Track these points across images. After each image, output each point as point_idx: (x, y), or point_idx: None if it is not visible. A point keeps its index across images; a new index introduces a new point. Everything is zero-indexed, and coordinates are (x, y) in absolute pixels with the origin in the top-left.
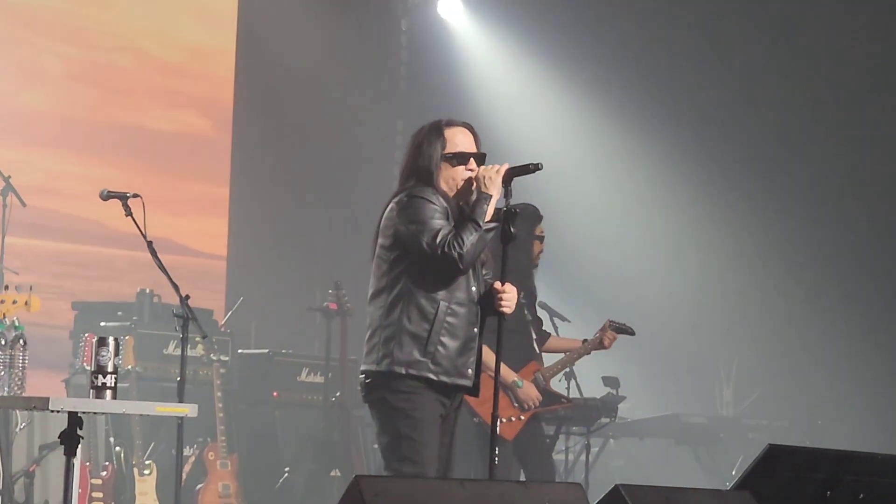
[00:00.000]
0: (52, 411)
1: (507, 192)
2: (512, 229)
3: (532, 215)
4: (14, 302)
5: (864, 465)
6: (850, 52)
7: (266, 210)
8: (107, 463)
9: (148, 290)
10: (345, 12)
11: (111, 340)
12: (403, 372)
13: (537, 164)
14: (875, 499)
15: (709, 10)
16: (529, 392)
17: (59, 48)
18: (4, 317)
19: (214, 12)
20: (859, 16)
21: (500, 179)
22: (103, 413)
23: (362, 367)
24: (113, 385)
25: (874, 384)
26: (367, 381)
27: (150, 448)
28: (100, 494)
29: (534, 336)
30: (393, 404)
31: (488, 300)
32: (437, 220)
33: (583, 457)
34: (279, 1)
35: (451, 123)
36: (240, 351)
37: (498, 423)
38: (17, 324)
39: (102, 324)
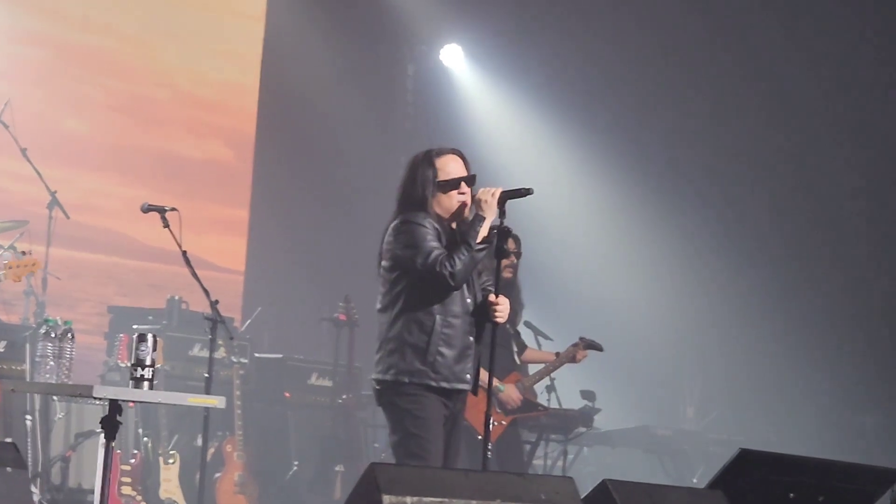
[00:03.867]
0: (95, 398)
1: (501, 213)
2: (505, 246)
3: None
4: (24, 265)
5: (824, 471)
6: (817, 83)
7: (282, 230)
8: (135, 451)
9: (177, 297)
10: (358, 57)
11: (150, 337)
12: (407, 381)
13: (529, 188)
14: (833, 501)
15: (687, 53)
16: (511, 394)
17: (102, 81)
18: (19, 280)
19: (241, 54)
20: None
21: (495, 202)
22: (140, 402)
23: (373, 376)
24: (150, 377)
25: (822, 405)
26: (378, 388)
27: (175, 439)
28: (128, 479)
29: (514, 349)
30: (401, 406)
31: (483, 311)
32: (431, 243)
33: (560, 462)
34: (300, 45)
35: (441, 152)
36: (256, 354)
37: (489, 423)
38: (65, 320)
39: (135, 326)
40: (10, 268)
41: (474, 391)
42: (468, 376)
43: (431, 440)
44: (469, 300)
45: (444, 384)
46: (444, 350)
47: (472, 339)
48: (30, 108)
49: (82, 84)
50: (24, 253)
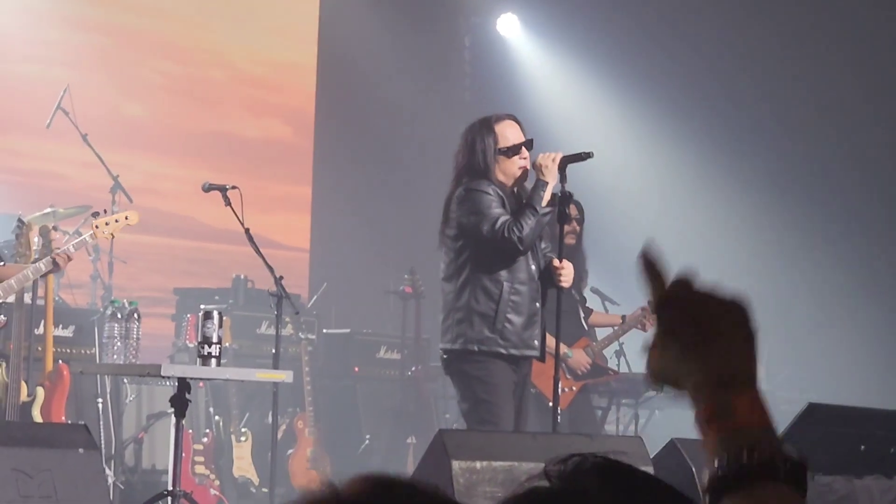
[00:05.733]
0: (164, 377)
1: (562, 178)
2: (567, 211)
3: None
4: (116, 221)
5: (894, 422)
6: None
7: (345, 206)
8: (207, 430)
9: (242, 276)
10: (415, 30)
11: (216, 314)
12: (476, 349)
13: (589, 152)
14: None
15: (753, 11)
16: (580, 359)
17: (159, 64)
18: (113, 236)
19: (297, 31)
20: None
21: (556, 167)
22: (209, 379)
23: (441, 346)
24: (218, 354)
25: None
26: (446, 357)
27: (246, 418)
28: (201, 458)
29: (581, 314)
30: (470, 373)
31: (548, 276)
32: (495, 209)
33: (632, 426)
34: (356, 20)
35: (499, 118)
36: (324, 330)
37: (558, 388)
38: (131, 300)
39: (202, 307)
40: (97, 226)
41: (541, 358)
42: (536, 342)
43: (502, 405)
44: (533, 267)
45: (513, 351)
46: (512, 317)
47: (538, 305)
48: (88, 94)
49: (140, 67)
50: (104, 211)
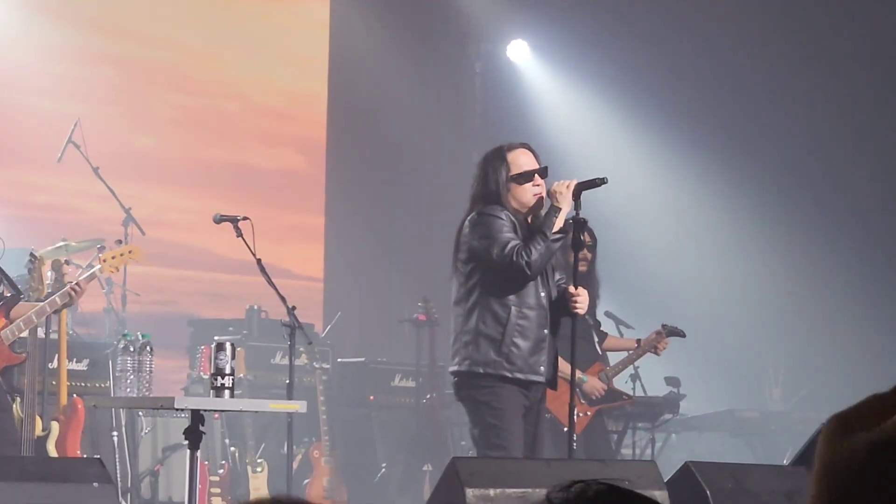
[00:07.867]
0: (178, 410)
1: (577, 205)
2: (582, 237)
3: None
4: (121, 255)
5: None
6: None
7: (358, 235)
8: (223, 462)
9: (256, 307)
10: (425, 57)
11: (228, 345)
12: (482, 371)
13: (603, 178)
14: None
15: (762, 33)
16: (594, 385)
17: (171, 96)
18: (118, 270)
19: (308, 62)
20: None
21: (570, 194)
22: (222, 411)
23: (450, 369)
24: (231, 385)
25: None
26: (455, 380)
27: (262, 448)
28: (218, 490)
29: (595, 339)
30: (479, 399)
31: (562, 303)
32: (506, 234)
33: (648, 450)
34: (366, 50)
35: (511, 147)
36: (339, 359)
37: (573, 413)
38: (143, 333)
39: (216, 338)
40: (104, 260)
41: (553, 384)
42: (542, 368)
43: (511, 430)
44: (543, 294)
45: (518, 375)
46: (518, 341)
47: (546, 331)
48: (100, 127)
49: (151, 99)
50: (119, 241)
